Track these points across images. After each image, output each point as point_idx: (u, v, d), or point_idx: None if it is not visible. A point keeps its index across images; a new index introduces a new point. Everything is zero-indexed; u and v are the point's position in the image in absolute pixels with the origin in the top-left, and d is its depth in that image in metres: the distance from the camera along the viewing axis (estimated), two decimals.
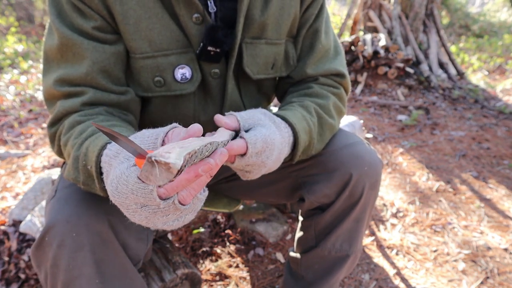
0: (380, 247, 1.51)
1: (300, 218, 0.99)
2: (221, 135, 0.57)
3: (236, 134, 0.65)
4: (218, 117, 0.63)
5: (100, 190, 0.56)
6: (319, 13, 0.83)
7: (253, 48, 0.77)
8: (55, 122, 0.69)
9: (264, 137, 0.62)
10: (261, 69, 0.81)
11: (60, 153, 0.70)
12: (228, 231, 1.56)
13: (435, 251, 1.49)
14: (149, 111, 0.80)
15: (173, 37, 0.70)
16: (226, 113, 0.67)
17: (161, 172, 0.38)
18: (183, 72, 0.73)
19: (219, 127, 0.62)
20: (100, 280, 0.63)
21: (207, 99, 0.80)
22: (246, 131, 0.64)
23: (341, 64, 0.87)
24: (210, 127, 0.82)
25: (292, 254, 1.03)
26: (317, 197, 0.85)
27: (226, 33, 0.72)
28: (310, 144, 0.76)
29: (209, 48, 0.71)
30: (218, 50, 0.72)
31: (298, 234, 1.00)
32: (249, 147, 0.61)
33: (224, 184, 1.00)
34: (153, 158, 0.37)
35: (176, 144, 0.42)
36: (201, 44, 0.71)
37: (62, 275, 0.61)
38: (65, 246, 0.60)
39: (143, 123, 0.83)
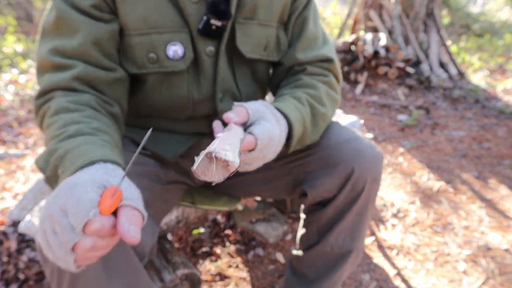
0: (381, 247, 1.50)
1: (302, 216, 0.99)
2: (237, 132, 0.59)
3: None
4: (227, 115, 0.65)
5: None
6: (307, 3, 0.88)
7: (246, 28, 0.80)
8: (43, 94, 0.69)
9: (269, 132, 0.65)
10: (254, 49, 0.83)
11: (40, 126, 0.71)
12: (228, 232, 1.56)
13: (435, 251, 1.49)
14: (145, 92, 0.81)
15: (168, 17, 0.74)
16: (235, 103, 0.69)
17: (217, 168, 0.39)
18: (175, 49, 0.75)
19: (219, 116, 0.66)
20: (106, 275, 0.63)
21: (200, 78, 0.81)
22: (251, 124, 0.67)
23: (329, 51, 0.90)
24: (203, 105, 0.84)
25: (294, 252, 1.03)
26: (319, 191, 0.85)
27: (227, 7, 0.75)
28: (304, 134, 0.79)
29: (212, 21, 0.74)
30: (220, 24, 0.75)
31: (300, 231, 1.00)
32: (258, 143, 0.64)
33: (224, 181, 1.00)
34: (213, 154, 0.38)
35: (223, 140, 0.43)
36: (204, 17, 0.74)
37: (69, 270, 0.61)
38: None
39: (139, 106, 0.84)
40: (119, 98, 0.76)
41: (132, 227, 0.43)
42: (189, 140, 0.88)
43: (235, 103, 0.69)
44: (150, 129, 0.51)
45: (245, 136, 0.61)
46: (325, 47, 0.90)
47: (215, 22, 0.74)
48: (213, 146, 0.39)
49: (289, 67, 0.89)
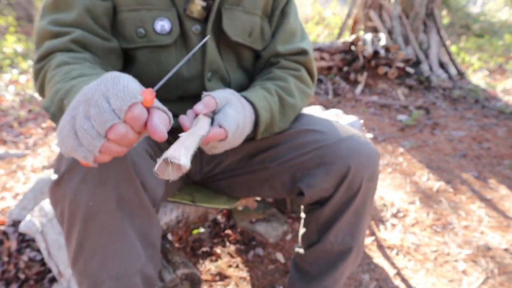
0: (380, 247, 1.50)
1: (303, 215, 1.00)
2: (203, 124, 0.65)
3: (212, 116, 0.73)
4: (197, 108, 0.68)
5: None
6: (288, 1, 0.93)
7: (231, 13, 0.85)
8: (42, 58, 0.72)
9: (236, 122, 0.70)
10: (239, 33, 0.86)
11: (41, 89, 0.72)
12: (228, 231, 1.56)
13: (435, 251, 1.49)
14: (136, 70, 0.83)
15: None
16: (204, 93, 0.72)
17: (173, 170, 0.47)
18: (162, 24, 0.79)
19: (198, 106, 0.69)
20: (120, 215, 0.65)
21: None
22: (218, 111, 0.71)
23: (306, 44, 0.94)
24: (192, 84, 0.87)
25: (297, 249, 1.05)
26: (315, 191, 0.86)
27: None
28: (272, 122, 0.82)
29: (196, 1, 0.78)
30: (204, 4, 0.79)
31: (301, 230, 1.01)
32: (229, 135, 0.69)
33: (223, 181, 1.01)
34: (169, 160, 0.46)
35: (180, 144, 0.51)
36: None
37: (82, 210, 0.62)
38: (87, 181, 0.62)
39: None
40: (114, 68, 0.79)
41: (162, 126, 0.48)
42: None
43: (204, 93, 0.72)
44: (208, 36, 0.62)
45: (211, 129, 0.66)
46: (303, 41, 0.95)
47: (200, 2, 0.79)
48: (170, 152, 0.47)
49: (267, 60, 0.93)
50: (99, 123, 0.45)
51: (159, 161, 0.47)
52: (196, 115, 0.69)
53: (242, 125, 0.72)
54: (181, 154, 0.47)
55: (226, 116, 0.69)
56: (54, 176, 0.65)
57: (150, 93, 0.49)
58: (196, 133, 0.58)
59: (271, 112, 0.81)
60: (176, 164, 0.46)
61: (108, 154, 0.48)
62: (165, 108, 0.51)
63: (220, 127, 0.68)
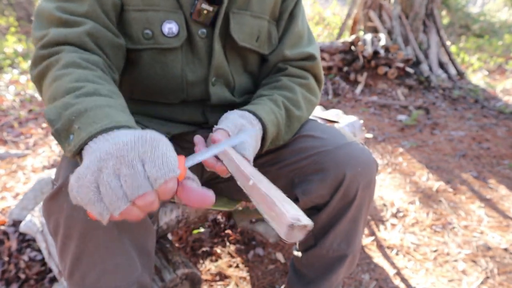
0: (380, 247, 1.51)
1: None
2: (241, 159, 0.65)
3: None
4: (216, 137, 0.67)
5: (68, 151, 0.52)
6: (296, 3, 0.92)
7: (239, 17, 0.84)
8: (49, 46, 0.66)
9: (254, 148, 0.70)
10: (246, 38, 0.86)
11: (38, 79, 0.66)
12: (228, 231, 1.56)
13: (435, 251, 1.49)
14: (140, 71, 0.82)
15: None
16: (214, 127, 0.71)
17: (298, 231, 0.49)
18: (170, 26, 0.78)
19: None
20: (118, 231, 0.65)
21: (194, 60, 0.84)
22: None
23: (314, 49, 0.93)
24: (196, 88, 0.86)
25: (295, 252, 1.05)
26: (311, 197, 0.86)
27: None
28: (278, 135, 0.82)
29: (203, 6, 0.77)
30: (210, 9, 0.78)
31: None
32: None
33: (223, 184, 1.01)
34: (294, 225, 0.48)
35: (279, 200, 0.51)
36: (196, 1, 0.77)
37: (79, 225, 0.61)
38: None
39: (134, 88, 0.86)
40: (119, 68, 0.77)
41: (199, 199, 0.48)
42: (182, 128, 0.89)
43: (215, 126, 0.71)
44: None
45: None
46: (310, 46, 0.94)
47: (206, 7, 0.78)
48: (289, 215, 0.48)
49: (274, 65, 0.92)
50: (131, 186, 0.43)
51: (283, 229, 0.48)
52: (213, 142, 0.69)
53: (255, 146, 0.72)
54: (294, 213, 0.48)
55: (245, 144, 0.68)
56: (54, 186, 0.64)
57: (184, 165, 0.48)
58: (259, 177, 0.59)
59: (278, 125, 0.80)
60: (302, 226, 0.48)
61: (125, 217, 0.46)
62: (194, 176, 0.51)
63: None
